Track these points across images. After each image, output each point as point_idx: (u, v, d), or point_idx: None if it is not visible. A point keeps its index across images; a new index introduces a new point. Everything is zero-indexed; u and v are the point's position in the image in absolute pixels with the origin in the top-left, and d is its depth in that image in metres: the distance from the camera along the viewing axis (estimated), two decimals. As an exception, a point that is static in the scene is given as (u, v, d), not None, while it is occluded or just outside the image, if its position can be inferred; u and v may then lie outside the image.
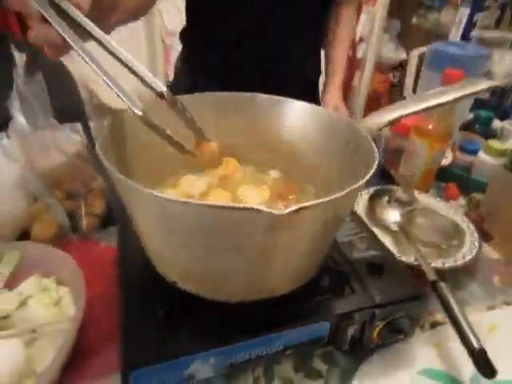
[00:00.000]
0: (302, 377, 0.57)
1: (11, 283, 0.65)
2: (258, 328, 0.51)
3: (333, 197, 0.40)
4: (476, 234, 0.80)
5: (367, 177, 0.44)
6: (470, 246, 0.77)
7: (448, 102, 0.57)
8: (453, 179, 1.05)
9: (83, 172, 0.86)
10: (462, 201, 1.01)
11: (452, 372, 0.60)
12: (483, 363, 0.53)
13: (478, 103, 1.22)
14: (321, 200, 0.39)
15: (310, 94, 1.29)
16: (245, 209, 0.37)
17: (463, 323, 0.57)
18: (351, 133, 0.58)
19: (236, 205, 0.36)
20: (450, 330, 0.59)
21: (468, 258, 0.74)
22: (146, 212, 0.48)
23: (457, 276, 0.76)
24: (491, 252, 0.84)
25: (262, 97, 0.65)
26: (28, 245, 0.68)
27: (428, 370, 0.60)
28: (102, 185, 0.85)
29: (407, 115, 0.57)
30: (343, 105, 1.18)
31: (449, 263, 0.73)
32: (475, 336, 0.55)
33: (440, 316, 0.68)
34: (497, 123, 1.21)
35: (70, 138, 0.86)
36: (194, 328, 0.51)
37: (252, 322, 0.51)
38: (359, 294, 0.57)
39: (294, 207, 0.37)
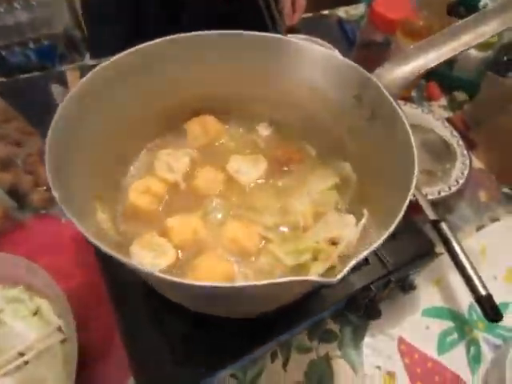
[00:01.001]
0: (317, 343, 0.57)
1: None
2: (282, 326, 0.48)
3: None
4: (466, 152, 0.77)
5: (404, 206, 0.35)
6: (461, 167, 0.75)
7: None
8: (433, 77, 0.97)
9: (12, 130, 0.69)
10: (443, 101, 0.95)
11: (452, 306, 0.63)
12: (490, 309, 0.55)
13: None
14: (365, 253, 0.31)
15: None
16: (299, 282, 0.29)
17: (469, 269, 0.57)
18: (366, 88, 0.47)
19: (284, 280, 0.28)
20: (448, 261, 0.59)
21: (461, 181, 0.72)
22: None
23: (446, 199, 0.75)
24: (475, 161, 0.83)
25: (248, 34, 0.49)
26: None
27: (430, 310, 0.62)
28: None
29: (438, 65, 0.46)
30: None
31: (444, 191, 0.71)
32: (481, 282, 0.56)
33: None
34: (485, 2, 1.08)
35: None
36: (215, 345, 0.47)
37: (275, 322, 0.48)
38: (374, 263, 0.54)
39: (346, 270, 0.30)
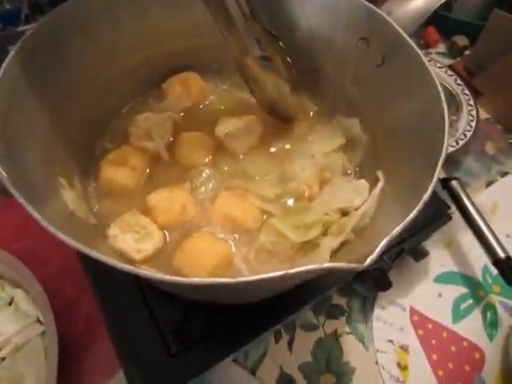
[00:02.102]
0: (324, 319, 0.53)
1: None
2: (287, 308, 0.43)
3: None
4: (472, 102, 0.71)
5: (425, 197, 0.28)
6: (467, 119, 0.69)
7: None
8: (430, 19, 0.88)
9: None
10: (442, 48, 0.88)
11: (465, 270, 0.58)
12: (509, 270, 0.51)
13: None
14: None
15: None
16: (324, 269, 0.23)
17: (485, 230, 0.53)
18: (374, 27, 0.39)
19: (302, 269, 0.22)
20: (458, 220, 0.54)
21: (469, 134, 0.67)
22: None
23: (454, 154, 0.69)
24: (480, 111, 0.77)
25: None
26: None
27: (443, 276, 0.58)
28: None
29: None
30: None
31: (451, 147, 0.65)
32: (499, 243, 0.51)
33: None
34: None
35: None
36: (212, 333, 0.41)
37: (279, 305, 0.42)
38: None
39: (377, 253, 0.23)
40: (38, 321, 0.48)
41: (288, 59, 0.41)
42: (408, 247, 0.49)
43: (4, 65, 0.31)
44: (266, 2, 0.43)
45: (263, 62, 0.38)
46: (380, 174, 0.38)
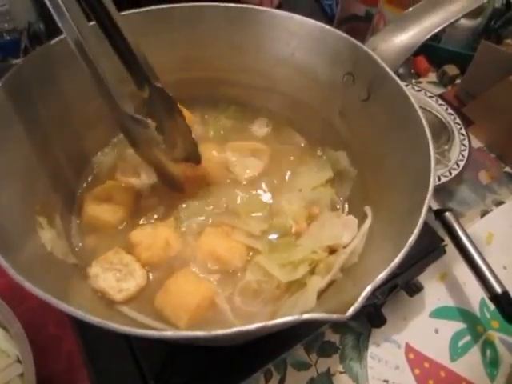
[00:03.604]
0: (316, 357, 0.51)
1: None
2: (276, 347, 0.41)
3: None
4: (464, 131, 0.71)
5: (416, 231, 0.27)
6: (460, 148, 0.68)
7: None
8: (419, 50, 0.90)
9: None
10: (432, 77, 0.88)
11: (461, 304, 0.57)
12: (508, 307, 0.49)
13: None
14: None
15: None
16: (303, 320, 0.22)
17: (480, 264, 0.51)
18: (359, 63, 0.39)
19: (281, 321, 0.21)
20: (452, 252, 0.53)
21: (462, 164, 0.66)
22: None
23: (447, 184, 0.69)
24: (473, 140, 0.76)
25: (225, 6, 0.41)
26: None
27: (439, 310, 0.56)
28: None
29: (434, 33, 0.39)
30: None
31: (444, 177, 0.64)
32: (495, 278, 0.50)
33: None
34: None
35: None
36: (195, 375, 0.39)
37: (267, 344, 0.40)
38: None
39: (360, 301, 0.22)
40: (18, 360, 0.46)
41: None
42: (401, 282, 0.48)
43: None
44: (252, 35, 0.43)
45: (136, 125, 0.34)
46: (368, 209, 0.37)
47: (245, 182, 0.43)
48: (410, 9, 0.42)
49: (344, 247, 0.36)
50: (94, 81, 0.31)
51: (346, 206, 0.42)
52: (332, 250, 0.37)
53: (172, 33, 0.42)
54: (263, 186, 0.44)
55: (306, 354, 0.51)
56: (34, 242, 0.32)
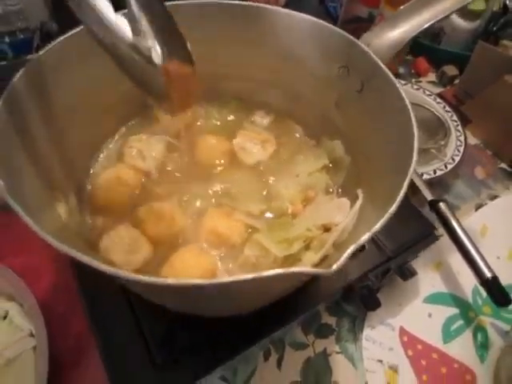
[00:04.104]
0: (313, 338, 0.53)
1: None
2: (274, 322, 0.44)
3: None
4: (460, 128, 0.73)
5: (400, 195, 0.29)
6: (456, 144, 0.71)
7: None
8: (420, 51, 0.93)
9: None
10: (432, 77, 0.91)
11: (455, 291, 0.59)
12: (497, 292, 0.51)
13: None
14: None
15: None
16: (289, 275, 0.24)
17: (471, 250, 0.53)
18: (354, 56, 0.42)
19: (272, 273, 0.23)
20: (447, 242, 0.55)
21: (457, 159, 0.69)
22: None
23: (442, 178, 0.71)
24: (470, 137, 0.79)
25: (227, 3, 0.44)
26: None
27: (432, 296, 0.58)
28: None
29: (431, 25, 0.41)
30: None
31: (440, 170, 0.67)
32: (486, 264, 0.52)
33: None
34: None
35: None
36: (199, 347, 0.42)
37: (266, 319, 0.43)
38: (371, 250, 0.49)
39: (343, 259, 0.25)
40: (31, 334, 0.49)
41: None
42: (394, 266, 0.50)
43: (10, 86, 0.34)
44: (255, 32, 0.46)
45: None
46: (360, 192, 0.39)
47: (248, 169, 0.46)
48: (401, 7, 0.45)
49: (336, 225, 0.39)
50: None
51: (340, 190, 0.45)
52: (326, 229, 0.40)
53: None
54: (264, 172, 0.47)
55: (303, 334, 0.53)
56: (52, 212, 0.35)
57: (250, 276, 0.24)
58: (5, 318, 0.50)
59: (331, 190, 0.45)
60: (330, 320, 0.55)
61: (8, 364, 0.47)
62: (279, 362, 0.51)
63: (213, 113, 0.51)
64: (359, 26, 0.90)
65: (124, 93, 0.46)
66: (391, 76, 0.38)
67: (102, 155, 0.47)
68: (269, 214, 0.42)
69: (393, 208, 0.29)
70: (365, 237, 0.27)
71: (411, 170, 0.31)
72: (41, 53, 0.37)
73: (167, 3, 0.43)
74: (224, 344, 0.42)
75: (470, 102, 0.80)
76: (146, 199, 0.43)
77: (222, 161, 0.47)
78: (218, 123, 0.50)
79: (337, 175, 0.45)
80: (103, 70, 0.43)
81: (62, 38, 0.38)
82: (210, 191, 0.44)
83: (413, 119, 0.35)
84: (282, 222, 0.41)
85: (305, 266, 0.25)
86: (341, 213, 0.40)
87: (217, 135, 0.48)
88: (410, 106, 0.36)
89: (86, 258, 0.25)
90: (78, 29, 0.39)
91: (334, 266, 0.25)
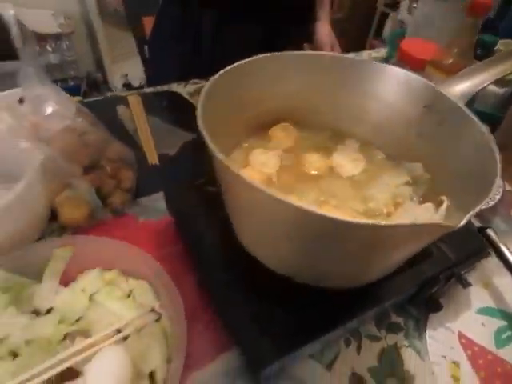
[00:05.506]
0: (385, 333, 0.62)
1: (64, 279, 0.60)
2: (360, 307, 0.53)
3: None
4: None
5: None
6: (497, 185, 0.82)
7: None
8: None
9: (95, 137, 0.76)
10: (467, 133, 1.05)
11: (503, 307, 0.68)
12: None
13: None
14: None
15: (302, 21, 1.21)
16: (425, 226, 0.35)
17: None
18: (435, 99, 0.55)
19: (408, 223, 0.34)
20: (492, 265, 0.65)
21: (497, 197, 0.80)
22: (261, 213, 0.44)
23: (484, 212, 0.82)
24: (506, 184, 0.91)
25: (328, 55, 0.59)
26: (78, 239, 0.61)
27: (483, 309, 0.67)
28: (121, 151, 0.76)
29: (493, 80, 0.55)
30: (337, 42, 1.15)
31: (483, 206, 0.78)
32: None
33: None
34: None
35: (60, 95, 0.72)
36: (306, 317, 0.51)
37: (358, 301, 0.53)
38: (438, 256, 0.60)
39: (468, 216, 0.36)
40: (153, 310, 0.57)
41: None
42: (457, 272, 0.60)
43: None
44: (356, 80, 0.60)
45: None
46: (444, 198, 0.51)
47: (345, 179, 0.58)
48: (466, 69, 0.59)
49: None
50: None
51: (421, 199, 0.56)
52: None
53: (295, 70, 0.60)
54: (358, 182, 0.58)
55: (376, 330, 0.62)
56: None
57: (368, 221, 0.34)
58: (129, 296, 0.60)
59: (414, 199, 0.56)
60: (398, 320, 0.64)
61: (139, 331, 0.55)
62: (358, 350, 0.59)
63: (311, 137, 0.64)
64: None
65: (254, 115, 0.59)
66: (472, 115, 0.51)
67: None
68: (368, 212, 0.54)
69: (477, 208, 0.39)
70: (478, 207, 0.38)
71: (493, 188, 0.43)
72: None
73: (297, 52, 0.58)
74: (319, 320, 0.51)
75: (503, 154, 0.93)
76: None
77: (323, 172, 0.58)
78: (317, 145, 0.63)
79: (418, 188, 0.57)
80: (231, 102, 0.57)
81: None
82: (318, 193, 0.56)
83: (494, 146, 0.47)
84: (380, 219, 0.52)
85: (433, 220, 0.35)
86: (428, 214, 0.51)
87: (317, 153, 0.60)
88: (493, 141, 0.48)
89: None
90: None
91: (462, 222, 0.35)
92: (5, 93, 0.64)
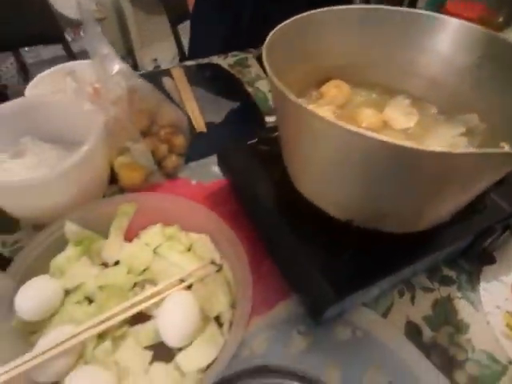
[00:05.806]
0: (438, 285, 0.63)
1: (128, 235, 0.64)
2: (415, 254, 0.54)
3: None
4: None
5: None
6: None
7: None
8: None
9: (148, 103, 0.79)
10: None
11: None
12: None
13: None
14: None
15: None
16: (495, 155, 0.36)
17: None
18: (491, 46, 0.55)
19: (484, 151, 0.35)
20: None
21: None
22: (330, 150, 0.45)
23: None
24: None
25: (386, 9, 0.59)
26: (141, 195, 0.65)
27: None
28: (174, 117, 0.79)
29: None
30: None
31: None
32: None
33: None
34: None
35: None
36: (363, 262, 0.53)
37: (415, 248, 0.54)
38: (492, 207, 0.60)
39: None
40: (213, 262, 0.60)
41: None
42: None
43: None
44: (413, 33, 0.60)
45: None
46: (504, 144, 0.51)
47: (399, 131, 0.59)
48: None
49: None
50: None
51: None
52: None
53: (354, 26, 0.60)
54: (413, 134, 0.59)
55: (429, 282, 0.63)
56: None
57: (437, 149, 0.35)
58: (189, 249, 0.63)
59: (471, 149, 0.56)
60: (451, 273, 0.64)
61: (200, 282, 0.58)
62: (412, 300, 0.61)
63: (362, 94, 0.64)
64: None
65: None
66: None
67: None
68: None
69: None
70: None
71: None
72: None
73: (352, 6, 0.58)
74: (375, 265, 0.52)
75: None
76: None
77: (377, 127, 0.59)
78: (369, 101, 0.64)
79: (473, 139, 0.57)
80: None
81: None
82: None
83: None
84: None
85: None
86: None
87: (370, 108, 0.61)
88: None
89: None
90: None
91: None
92: (70, 63, 0.67)
